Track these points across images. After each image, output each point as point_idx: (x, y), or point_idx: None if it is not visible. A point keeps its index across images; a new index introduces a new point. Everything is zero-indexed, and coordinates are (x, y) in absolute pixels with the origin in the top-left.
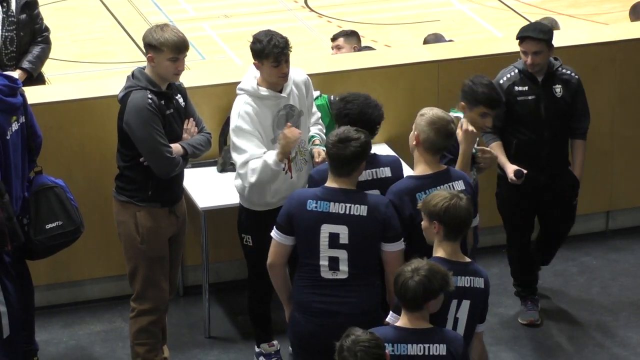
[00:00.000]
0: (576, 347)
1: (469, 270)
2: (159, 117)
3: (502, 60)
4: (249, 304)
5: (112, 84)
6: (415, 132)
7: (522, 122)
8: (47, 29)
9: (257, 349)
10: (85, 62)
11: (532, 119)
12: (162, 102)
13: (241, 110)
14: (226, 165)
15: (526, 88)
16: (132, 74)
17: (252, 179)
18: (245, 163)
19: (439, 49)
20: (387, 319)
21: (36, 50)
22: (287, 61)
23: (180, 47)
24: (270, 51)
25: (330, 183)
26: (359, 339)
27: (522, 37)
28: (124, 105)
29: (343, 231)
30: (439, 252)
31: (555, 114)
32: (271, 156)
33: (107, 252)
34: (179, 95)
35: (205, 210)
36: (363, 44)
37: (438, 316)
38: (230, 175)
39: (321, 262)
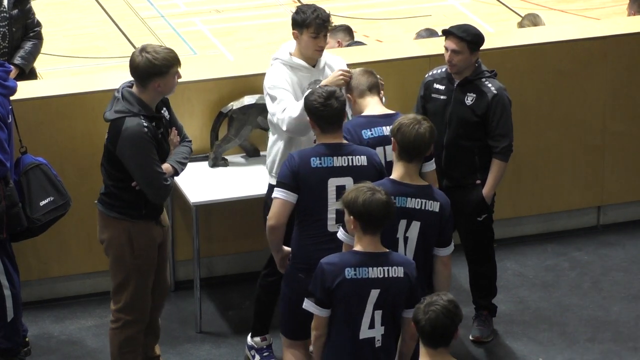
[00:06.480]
0: (568, 342)
1: (423, 192)
2: (154, 144)
3: (493, 55)
4: (258, 290)
5: (104, 79)
6: (349, 95)
7: (431, 120)
8: (39, 24)
9: (249, 341)
10: (76, 57)
11: (437, 120)
12: (154, 124)
13: (276, 71)
14: (217, 160)
15: (442, 88)
16: (122, 95)
17: (295, 113)
18: (284, 109)
19: (430, 44)
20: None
21: (28, 45)
22: (325, 35)
23: (179, 57)
24: (312, 21)
25: (323, 141)
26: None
27: (446, 33)
28: (117, 131)
29: (348, 182)
30: (394, 175)
31: (458, 121)
32: None
33: (98, 247)
34: (164, 109)
35: (196, 205)
36: (354, 39)
37: (386, 236)
38: (221, 170)
39: (329, 216)
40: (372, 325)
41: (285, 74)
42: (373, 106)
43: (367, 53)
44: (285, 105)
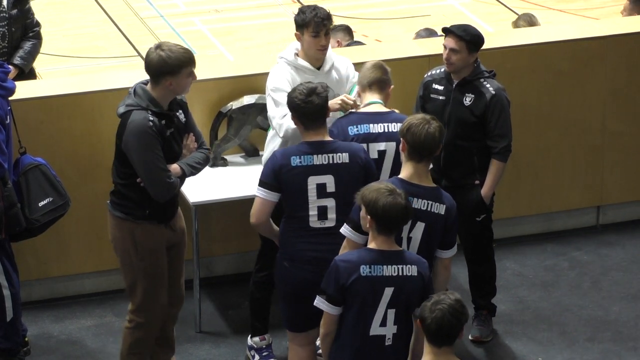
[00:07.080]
0: (567, 342)
1: (430, 194)
2: (159, 140)
3: (493, 55)
4: (251, 287)
5: (103, 79)
6: (358, 89)
7: None
8: (38, 24)
9: (249, 341)
10: (76, 57)
11: None
12: (163, 122)
13: (280, 72)
14: (217, 160)
15: (441, 88)
16: (134, 90)
17: (294, 124)
18: (284, 115)
19: (429, 44)
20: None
21: (27, 45)
22: (327, 34)
23: (194, 58)
24: (311, 20)
25: (307, 139)
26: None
27: (446, 31)
28: (124, 124)
29: (329, 180)
30: (402, 174)
31: (457, 121)
32: None
33: (98, 247)
34: (180, 111)
35: (195, 205)
36: (354, 38)
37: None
38: (221, 170)
39: (310, 213)
40: (383, 323)
41: (288, 74)
42: (369, 103)
43: (367, 53)
44: (285, 111)
